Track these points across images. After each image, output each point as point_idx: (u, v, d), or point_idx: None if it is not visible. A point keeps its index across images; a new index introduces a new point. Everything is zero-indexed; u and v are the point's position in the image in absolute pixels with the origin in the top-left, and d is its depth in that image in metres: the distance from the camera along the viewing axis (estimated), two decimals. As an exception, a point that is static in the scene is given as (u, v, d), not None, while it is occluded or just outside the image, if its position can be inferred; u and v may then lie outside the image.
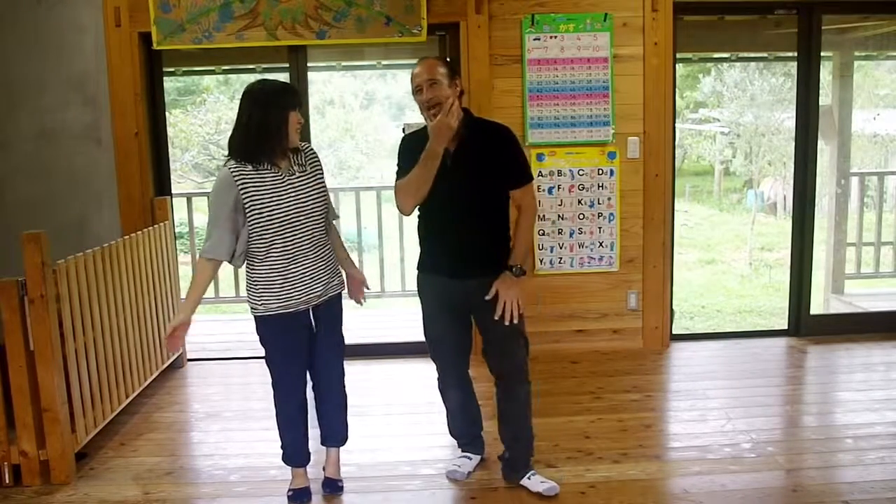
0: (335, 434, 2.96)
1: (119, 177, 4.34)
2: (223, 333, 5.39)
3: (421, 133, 2.72)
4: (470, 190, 2.71)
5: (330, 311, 2.83)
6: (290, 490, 2.92)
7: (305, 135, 4.45)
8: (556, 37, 4.32)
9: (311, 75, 4.55)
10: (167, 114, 4.75)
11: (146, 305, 3.94)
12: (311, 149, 2.83)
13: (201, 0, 4.16)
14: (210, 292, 5.80)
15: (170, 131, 4.87)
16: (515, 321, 2.69)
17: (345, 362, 2.94)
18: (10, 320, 2.92)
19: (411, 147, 2.74)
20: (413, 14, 4.20)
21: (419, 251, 2.90)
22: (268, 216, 2.61)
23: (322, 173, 2.80)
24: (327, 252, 2.80)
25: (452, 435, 3.12)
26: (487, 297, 2.69)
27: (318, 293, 2.75)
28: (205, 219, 6.50)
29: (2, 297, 2.91)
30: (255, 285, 2.73)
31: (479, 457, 3.09)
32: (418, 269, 2.92)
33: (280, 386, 2.83)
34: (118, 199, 4.35)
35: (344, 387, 2.94)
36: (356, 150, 13.55)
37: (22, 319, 2.92)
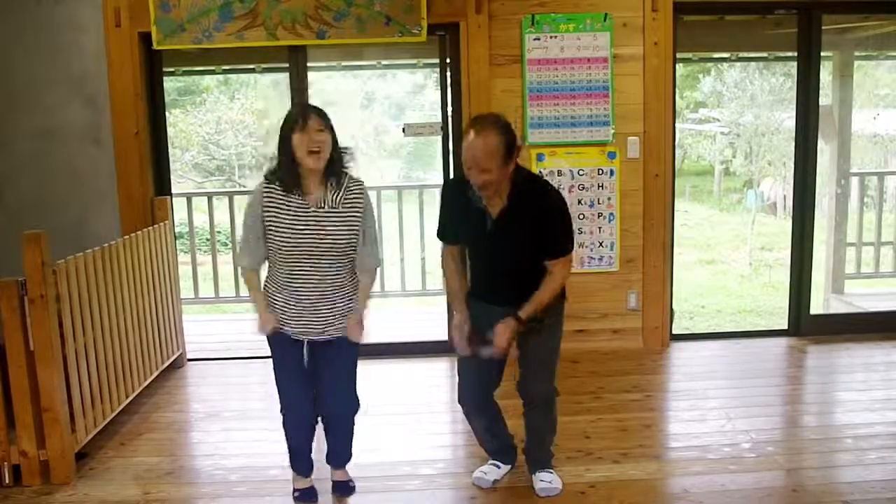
0: (335, 458, 2.96)
1: (119, 177, 4.34)
2: (223, 333, 5.39)
3: (465, 185, 2.62)
4: (510, 256, 2.66)
5: (332, 352, 2.74)
6: (295, 491, 2.91)
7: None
8: (556, 37, 4.32)
9: (311, 75, 4.55)
10: (167, 114, 4.74)
11: (146, 305, 3.94)
12: (360, 186, 2.69)
13: (201, 0, 4.16)
14: (210, 292, 5.82)
15: (170, 131, 4.86)
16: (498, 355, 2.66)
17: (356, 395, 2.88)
18: (10, 320, 2.92)
19: (454, 197, 2.73)
20: (413, 14, 4.20)
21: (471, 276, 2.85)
22: (280, 241, 2.60)
23: (359, 215, 2.67)
24: (340, 294, 2.70)
25: (487, 452, 3.05)
26: (488, 336, 2.64)
27: (318, 331, 2.69)
28: (205, 218, 6.52)
29: (2, 297, 2.91)
30: (266, 292, 2.75)
31: (508, 466, 3.03)
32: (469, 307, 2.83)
33: (281, 397, 2.82)
34: (118, 199, 4.35)
35: (351, 423, 2.90)
36: (356, 151, 13.54)
37: (22, 319, 2.92)
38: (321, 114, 2.62)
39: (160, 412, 3.82)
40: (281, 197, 2.60)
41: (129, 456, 3.32)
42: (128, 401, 3.68)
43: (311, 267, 2.63)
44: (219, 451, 3.37)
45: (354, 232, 2.66)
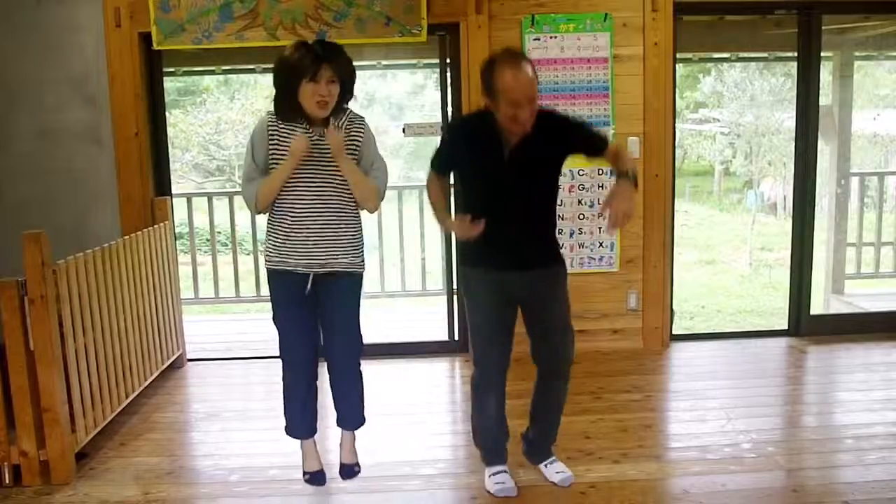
0: (345, 417, 2.89)
1: (119, 177, 4.34)
2: (223, 333, 5.39)
3: (476, 120, 2.69)
4: (531, 186, 2.67)
5: (336, 288, 2.72)
6: (305, 473, 2.89)
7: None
8: (556, 37, 4.32)
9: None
10: (167, 114, 4.74)
11: (146, 305, 3.94)
12: (361, 120, 2.71)
13: (201, 0, 4.16)
14: (210, 292, 5.82)
15: (170, 131, 4.86)
16: (620, 227, 2.60)
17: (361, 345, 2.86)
18: (10, 320, 2.92)
19: (467, 134, 2.73)
20: (413, 14, 4.20)
21: (463, 246, 2.80)
22: None
23: (359, 145, 2.68)
24: (343, 226, 2.69)
25: (483, 445, 2.97)
26: (600, 210, 2.69)
27: (321, 262, 2.67)
28: (205, 219, 6.51)
29: (2, 297, 2.90)
30: (266, 234, 2.75)
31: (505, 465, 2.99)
32: (464, 264, 2.82)
33: (282, 348, 2.78)
34: (118, 199, 4.35)
35: (357, 370, 2.84)
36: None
37: (22, 319, 2.92)
38: (333, 58, 2.56)
39: (160, 412, 3.82)
40: (285, 128, 2.62)
41: (129, 456, 3.31)
42: (128, 401, 3.68)
43: (313, 197, 2.63)
44: (219, 451, 3.36)
45: (355, 160, 2.67)
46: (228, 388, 4.21)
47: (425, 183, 2.86)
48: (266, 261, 2.76)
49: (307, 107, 2.57)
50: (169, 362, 4.28)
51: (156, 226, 4.19)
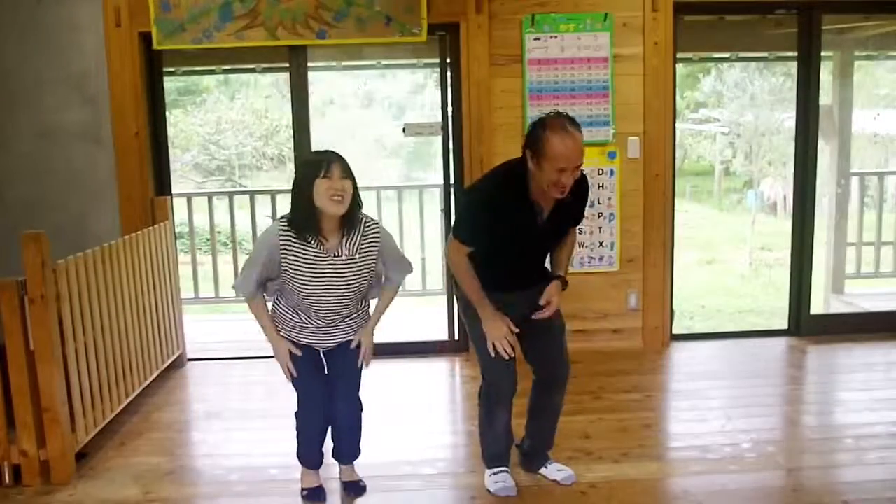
0: (344, 455, 2.95)
1: (119, 177, 4.35)
2: (223, 333, 5.39)
3: (507, 191, 2.61)
4: (552, 243, 2.81)
5: (342, 356, 2.82)
6: (304, 490, 2.90)
7: (305, 138, 4.45)
8: (556, 37, 4.32)
9: (311, 75, 4.55)
10: (167, 114, 4.74)
11: (146, 305, 3.94)
12: (376, 230, 2.69)
13: (201, 0, 4.16)
14: (210, 292, 5.82)
15: (170, 131, 4.86)
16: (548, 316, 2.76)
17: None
18: (10, 320, 2.92)
19: (501, 202, 2.61)
20: (413, 14, 4.20)
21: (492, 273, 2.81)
22: (298, 284, 2.62)
23: (375, 255, 2.69)
24: (354, 313, 2.80)
25: (488, 452, 2.95)
26: (542, 302, 2.72)
27: (331, 345, 2.80)
28: (205, 218, 6.50)
29: (2, 297, 2.90)
30: (277, 310, 2.79)
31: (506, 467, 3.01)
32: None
33: (300, 402, 2.83)
34: (118, 198, 4.35)
35: (359, 419, 2.90)
36: (356, 151, 13.52)
37: (22, 319, 2.92)
38: (343, 160, 2.58)
39: (160, 412, 3.82)
40: (297, 244, 2.59)
41: (129, 456, 3.31)
42: (128, 401, 3.68)
43: (329, 303, 2.68)
44: (219, 451, 3.37)
45: (372, 274, 2.73)
46: (228, 388, 4.21)
47: (449, 254, 2.76)
48: (281, 330, 2.80)
49: (323, 205, 2.51)
50: (169, 362, 4.28)
51: (156, 225, 4.19)
